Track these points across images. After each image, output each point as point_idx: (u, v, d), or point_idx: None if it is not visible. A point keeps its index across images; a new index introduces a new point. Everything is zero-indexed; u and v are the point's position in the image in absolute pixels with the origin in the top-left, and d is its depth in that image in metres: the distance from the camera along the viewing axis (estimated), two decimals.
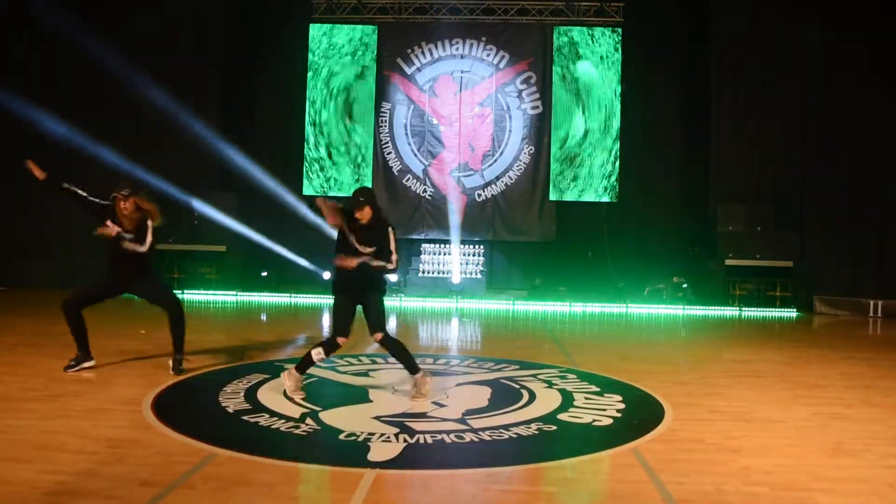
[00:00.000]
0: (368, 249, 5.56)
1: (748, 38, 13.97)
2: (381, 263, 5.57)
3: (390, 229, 5.71)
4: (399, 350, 5.76)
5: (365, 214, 5.59)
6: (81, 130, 13.42)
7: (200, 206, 13.82)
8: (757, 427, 5.16)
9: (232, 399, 5.57)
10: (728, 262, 13.27)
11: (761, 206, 13.53)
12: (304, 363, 5.72)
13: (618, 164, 14.82)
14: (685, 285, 13.75)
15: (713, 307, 13.11)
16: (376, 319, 5.67)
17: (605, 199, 14.88)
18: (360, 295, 5.69)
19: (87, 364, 6.50)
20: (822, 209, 13.65)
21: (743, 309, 13.00)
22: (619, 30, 14.88)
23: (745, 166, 13.99)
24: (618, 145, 14.81)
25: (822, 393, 6.37)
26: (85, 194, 6.30)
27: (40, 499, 3.55)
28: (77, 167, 13.83)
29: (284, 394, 5.66)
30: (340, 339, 5.67)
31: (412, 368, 5.74)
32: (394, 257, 5.64)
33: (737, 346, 9.48)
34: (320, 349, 5.65)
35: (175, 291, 7.24)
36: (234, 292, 13.62)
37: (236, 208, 14.00)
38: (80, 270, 14.10)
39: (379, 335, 5.65)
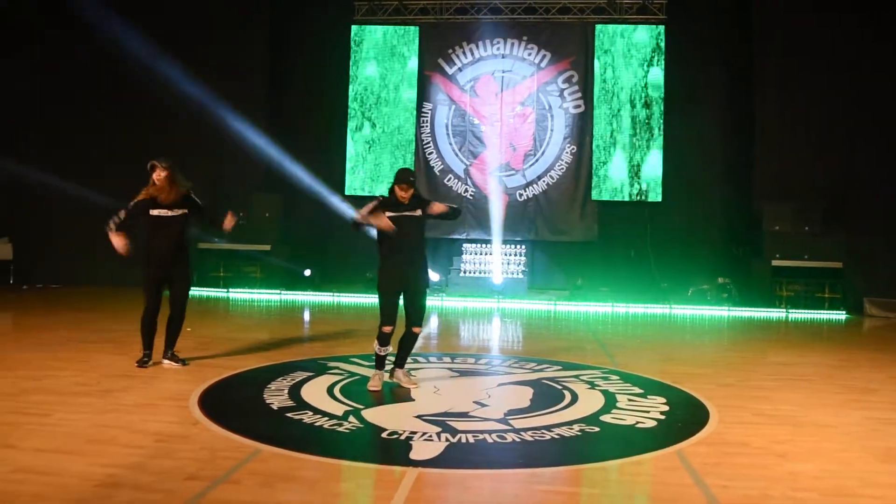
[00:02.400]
0: (418, 212, 5.93)
1: (794, 32, 13.66)
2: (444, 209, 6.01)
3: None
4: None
5: (409, 194, 5.86)
6: (124, 132, 13.75)
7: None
8: (804, 431, 5.05)
9: (276, 396, 5.65)
10: (775, 262, 12.99)
11: (809, 205, 13.17)
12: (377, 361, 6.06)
13: (661, 162, 14.64)
14: (730, 286, 13.53)
15: (759, 309, 12.85)
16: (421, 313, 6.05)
17: (649, 198, 14.71)
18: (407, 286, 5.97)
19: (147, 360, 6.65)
20: (872, 208, 13.27)
21: (790, 311, 12.73)
22: (662, 27, 14.72)
23: (792, 165, 13.66)
24: (661, 143, 14.63)
25: (873, 397, 6.21)
26: (124, 214, 6.39)
27: (91, 490, 3.64)
28: (119, 167, 14.23)
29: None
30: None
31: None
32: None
33: (783, 348, 9.29)
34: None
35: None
36: (278, 291, 13.80)
37: (281, 208, 14.24)
38: (129, 267, 14.52)
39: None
